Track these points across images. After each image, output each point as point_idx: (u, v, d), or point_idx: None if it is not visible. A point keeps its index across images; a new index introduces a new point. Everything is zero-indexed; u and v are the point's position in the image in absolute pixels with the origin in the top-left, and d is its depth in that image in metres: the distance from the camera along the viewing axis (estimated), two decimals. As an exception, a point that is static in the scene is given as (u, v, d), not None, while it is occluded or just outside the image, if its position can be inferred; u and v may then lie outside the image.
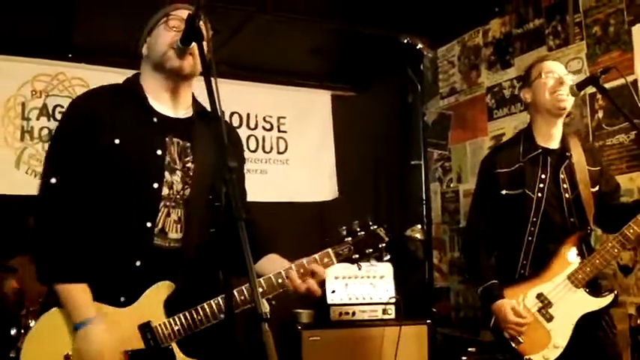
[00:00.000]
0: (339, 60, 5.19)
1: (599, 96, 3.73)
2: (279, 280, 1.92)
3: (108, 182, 1.84)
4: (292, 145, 5.05)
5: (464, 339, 4.12)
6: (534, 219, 2.63)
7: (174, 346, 1.86)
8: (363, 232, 1.99)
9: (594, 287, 2.64)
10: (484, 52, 4.73)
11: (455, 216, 4.93)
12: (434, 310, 4.30)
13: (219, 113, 1.62)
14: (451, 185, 4.98)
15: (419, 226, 4.25)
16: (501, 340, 2.65)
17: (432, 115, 5.13)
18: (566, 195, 2.66)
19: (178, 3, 1.98)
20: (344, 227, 2.01)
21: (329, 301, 4.18)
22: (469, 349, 3.92)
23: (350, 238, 1.99)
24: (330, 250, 1.96)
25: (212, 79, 1.64)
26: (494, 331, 2.70)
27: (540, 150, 2.72)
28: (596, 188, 2.72)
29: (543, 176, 2.67)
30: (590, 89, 3.33)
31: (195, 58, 1.91)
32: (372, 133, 5.07)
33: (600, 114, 3.82)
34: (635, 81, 3.59)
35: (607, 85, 3.37)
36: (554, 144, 2.76)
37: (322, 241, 2.09)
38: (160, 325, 1.86)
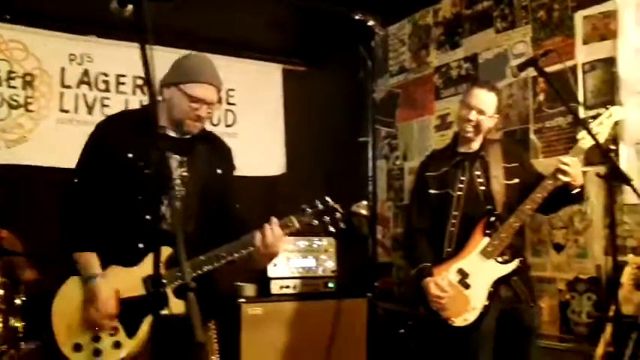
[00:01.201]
0: (291, 34, 5.16)
1: (540, 79, 3.86)
2: (250, 239, 2.36)
3: (125, 184, 2.40)
4: (241, 118, 5.03)
5: (405, 313, 4.22)
6: (455, 212, 3.04)
7: (169, 291, 2.23)
8: (321, 205, 2.39)
9: (516, 257, 2.99)
10: (434, 31, 4.79)
11: (400, 193, 5.00)
12: (376, 284, 4.35)
13: (152, 80, 1.74)
14: (397, 163, 5.04)
15: (364, 202, 4.13)
16: (431, 312, 3.00)
17: (381, 93, 5.16)
18: (482, 187, 3.06)
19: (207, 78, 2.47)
20: (305, 205, 2.40)
21: (270, 275, 4.20)
22: (408, 323, 4.04)
23: (310, 210, 2.39)
24: (292, 216, 2.38)
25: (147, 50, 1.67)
26: (425, 305, 3.03)
27: (460, 157, 3.13)
28: (515, 181, 3.06)
29: (463, 178, 3.08)
30: (534, 72, 3.46)
31: (207, 119, 2.53)
32: (323, 109, 5.09)
33: (541, 97, 3.94)
34: (575, 66, 3.72)
35: (549, 69, 3.48)
36: (475, 147, 3.14)
37: (270, 214, 2.41)
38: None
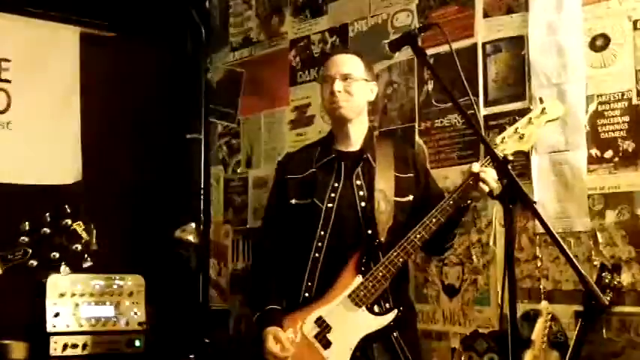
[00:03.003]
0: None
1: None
2: None
3: None
4: (18, 102, 4.72)
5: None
6: (322, 233, 2.93)
7: None
8: (49, 229, 2.19)
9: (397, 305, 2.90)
10: (290, -8, 4.76)
11: (241, 212, 4.88)
12: (206, 340, 4.40)
13: None
14: (238, 171, 4.92)
15: (192, 225, 4.47)
16: None
17: (219, 73, 5.07)
18: (362, 203, 2.95)
19: None
20: (27, 221, 2.17)
21: (50, 329, 3.98)
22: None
23: (28, 238, 2.15)
24: None
25: None
26: None
27: (334, 155, 3.03)
28: (408, 198, 2.99)
29: (336, 184, 2.98)
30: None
31: None
32: (137, 93, 4.94)
33: (430, 86, 3.91)
34: (475, 47, 3.72)
35: (434, 50, 3.60)
36: (355, 146, 3.05)
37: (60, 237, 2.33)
38: None
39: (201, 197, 4.48)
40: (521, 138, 2.69)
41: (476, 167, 2.74)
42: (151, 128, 4.90)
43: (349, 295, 2.82)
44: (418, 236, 2.77)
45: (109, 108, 4.89)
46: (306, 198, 2.98)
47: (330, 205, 2.94)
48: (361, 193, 2.95)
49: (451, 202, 2.78)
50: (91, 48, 4.92)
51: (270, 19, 4.81)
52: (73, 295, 4.10)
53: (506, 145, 2.70)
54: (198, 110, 4.61)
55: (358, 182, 2.96)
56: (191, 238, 4.23)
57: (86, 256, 2.31)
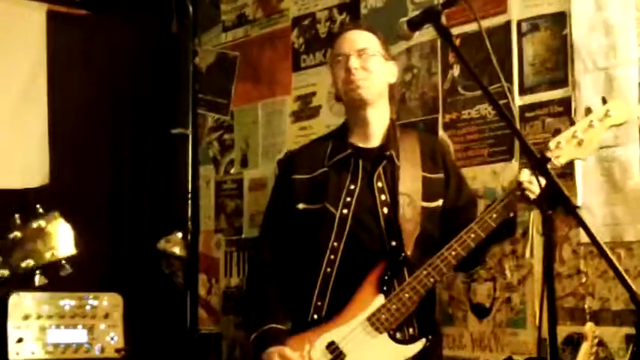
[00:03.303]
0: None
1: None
2: None
3: None
4: (-29, 93, 4.77)
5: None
6: (336, 244, 2.91)
7: None
8: (19, 233, 2.26)
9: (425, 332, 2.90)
10: (290, -39, 4.78)
11: (236, 220, 4.89)
12: None
13: None
14: (232, 171, 4.94)
15: (179, 235, 4.44)
16: None
17: (209, 57, 5.09)
18: (384, 209, 2.93)
19: None
20: None
21: (12, 357, 4.00)
22: None
23: None
24: None
25: None
26: None
27: (350, 151, 3.02)
28: (437, 203, 2.98)
29: (352, 186, 2.96)
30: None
31: None
32: (112, 81, 4.98)
33: (456, 71, 3.90)
34: (509, 23, 3.69)
35: (460, 30, 3.65)
36: (375, 141, 3.04)
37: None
38: None
39: (189, 202, 4.47)
40: (579, 144, 2.67)
41: (525, 175, 2.73)
42: (131, 122, 4.93)
43: (368, 318, 2.81)
44: (453, 253, 2.78)
45: (81, 99, 4.88)
46: (317, 202, 2.99)
47: (345, 211, 2.93)
48: (383, 197, 2.95)
49: (494, 216, 2.77)
50: (60, 28, 4.89)
51: (269, -8, 4.85)
52: (39, 317, 4.10)
53: (561, 151, 2.68)
54: (185, 100, 4.60)
55: (379, 184, 2.96)
56: (177, 250, 4.24)
57: (63, 262, 2.29)
